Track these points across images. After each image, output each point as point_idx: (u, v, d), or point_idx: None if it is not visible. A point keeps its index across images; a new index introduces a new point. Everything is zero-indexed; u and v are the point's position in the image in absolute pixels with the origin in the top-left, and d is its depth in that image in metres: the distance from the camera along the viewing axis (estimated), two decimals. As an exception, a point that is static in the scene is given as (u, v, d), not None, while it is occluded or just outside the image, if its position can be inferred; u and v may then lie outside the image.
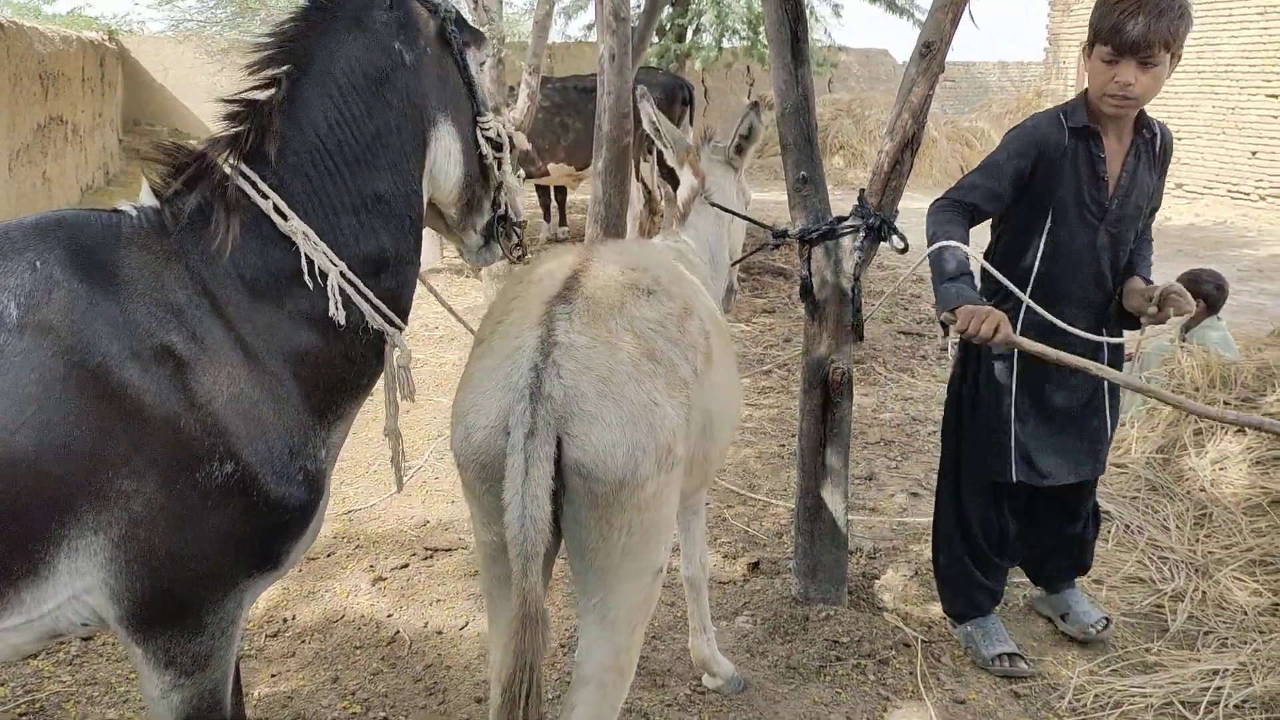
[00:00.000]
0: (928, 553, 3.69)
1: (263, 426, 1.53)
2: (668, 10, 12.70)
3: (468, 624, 3.15)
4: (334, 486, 4.06)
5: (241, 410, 1.51)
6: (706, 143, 2.88)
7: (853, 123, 16.79)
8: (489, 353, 1.76)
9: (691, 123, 9.66)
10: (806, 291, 3.02)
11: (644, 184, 8.76)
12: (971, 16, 2.85)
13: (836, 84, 19.29)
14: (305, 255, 1.60)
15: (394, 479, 2.05)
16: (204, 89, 15.11)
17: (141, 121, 15.94)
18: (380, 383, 1.84)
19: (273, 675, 2.85)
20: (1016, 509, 2.98)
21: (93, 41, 12.15)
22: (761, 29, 12.31)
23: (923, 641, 3.04)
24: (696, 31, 13.14)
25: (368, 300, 1.68)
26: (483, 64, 1.90)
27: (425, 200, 1.84)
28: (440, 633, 3.10)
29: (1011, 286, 2.56)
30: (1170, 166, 2.79)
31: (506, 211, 2.05)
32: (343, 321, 1.64)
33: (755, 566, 3.58)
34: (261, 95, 1.64)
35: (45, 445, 1.37)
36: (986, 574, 3.01)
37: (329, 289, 1.62)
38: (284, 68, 1.65)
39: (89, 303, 1.43)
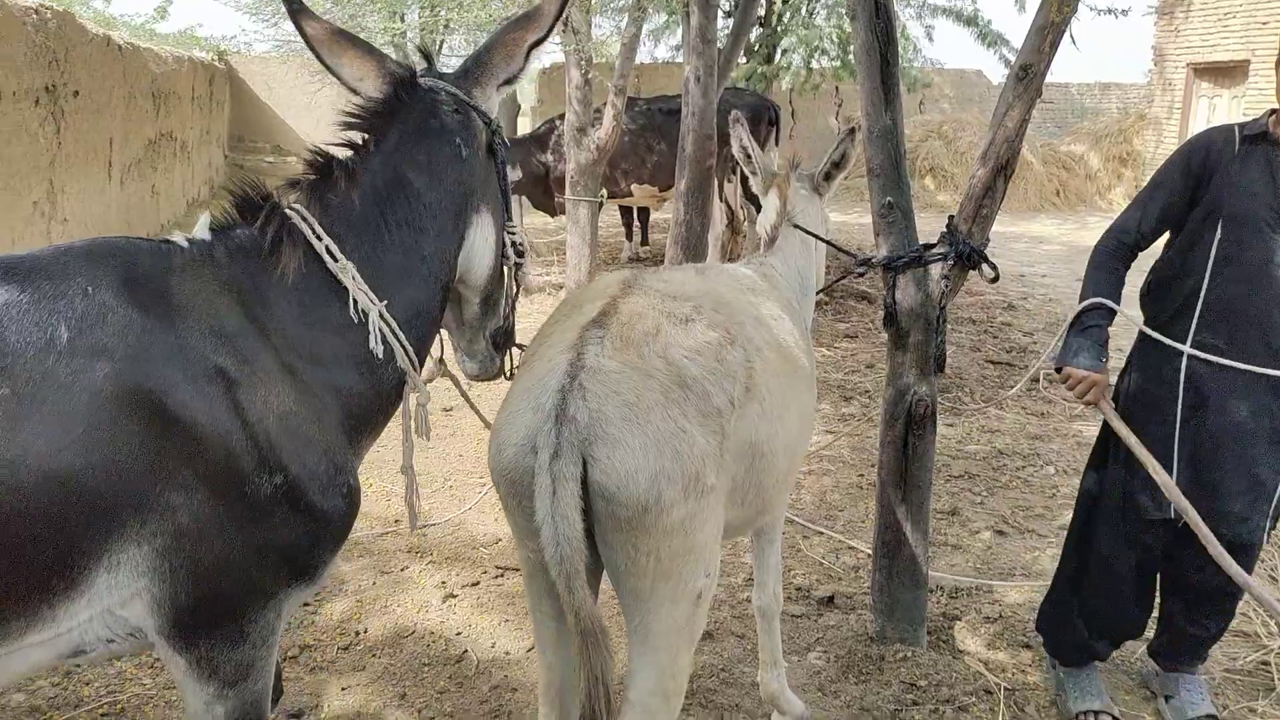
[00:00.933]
0: (1012, 594, 3.54)
1: (310, 443, 1.61)
2: (756, 31, 12.66)
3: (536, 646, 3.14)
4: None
5: (290, 427, 1.59)
6: (794, 169, 2.85)
7: (944, 144, 16.44)
8: (527, 373, 1.82)
9: (777, 143, 9.59)
10: (890, 320, 2.94)
11: (727, 205, 8.71)
12: (1073, 38, 2.74)
13: (928, 105, 18.96)
14: (351, 293, 1.74)
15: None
16: (305, 107, 15.69)
17: (246, 138, 16.62)
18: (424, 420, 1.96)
19: (343, 689, 2.87)
20: (1152, 558, 2.69)
21: (203, 62, 12.72)
22: (850, 48, 12.14)
23: (1005, 689, 2.90)
24: (784, 52, 13.06)
25: (399, 340, 1.80)
26: (513, 181, 2.08)
27: (457, 275, 1.99)
28: (508, 654, 3.09)
29: (1167, 341, 2.58)
30: None
31: (511, 327, 2.16)
32: (380, 355, 1.75)
33: (830, 601, 3.49)
34: (339, 154, 1.82)
35: (92, 464, 1.40)
36: (1091, 632, 2.81)
37: (370, 325, 1.74)
38: (363, 136, 1.84)
39: (142, 328, 1.49)
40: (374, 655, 3.07)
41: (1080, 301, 2.67)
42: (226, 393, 1.52)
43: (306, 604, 3.36)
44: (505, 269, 2.08)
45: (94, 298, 1.47)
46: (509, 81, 2.01)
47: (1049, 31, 2.68)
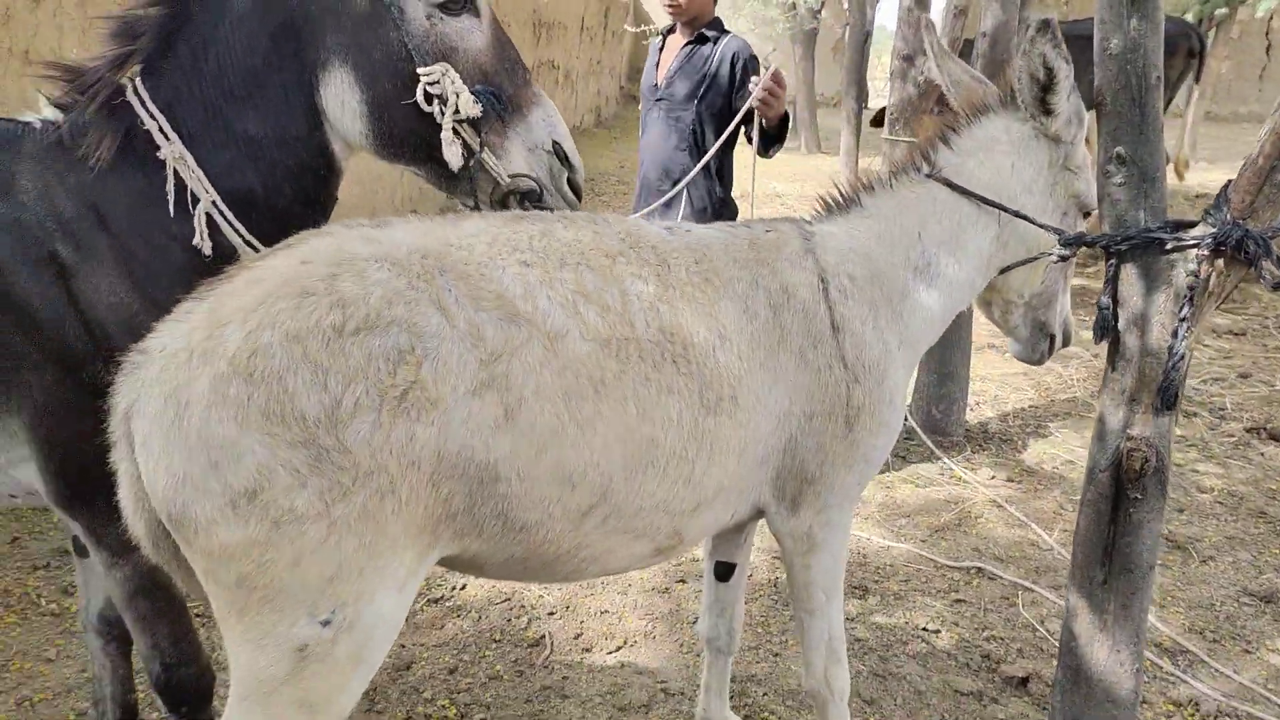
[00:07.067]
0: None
1: (142, 336, 1.52)
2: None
3: (621, 649, 2.74)
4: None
5: (122, 318, 1.57)
6: (990, 97, 2.05)
7: None
8: None
9: (1197, 80, 7.70)
10: (1105, 329, 2.02)
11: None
12: None
13: None
14: (180, 179, 1.62)
15: None
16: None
17: (644, 69, 17.19)
18: None
19: (401, 646, 2.71)
20: None
21: (598, -7, 13.24)
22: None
23: None
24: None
25: (237, 233, 1.67)
26: (452, 14, 1.71)
27: (328, 147, 1.76)
28: (588, 650, 2.73)
29: None
30: None
31: (510, 183, 1.80)
32: (208, 251, 1.65)
33: (1023, 683, 2.65)
34: (147, 12, 1.64)
35: None
36: None
37: (195, 217, 1.63)
38: None
39: None
40: (457, 616, 2.87)
41: None
42: (58, 279, 1.54)
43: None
44: (438, 125, 1.71)
45: None
46: None
47: None
